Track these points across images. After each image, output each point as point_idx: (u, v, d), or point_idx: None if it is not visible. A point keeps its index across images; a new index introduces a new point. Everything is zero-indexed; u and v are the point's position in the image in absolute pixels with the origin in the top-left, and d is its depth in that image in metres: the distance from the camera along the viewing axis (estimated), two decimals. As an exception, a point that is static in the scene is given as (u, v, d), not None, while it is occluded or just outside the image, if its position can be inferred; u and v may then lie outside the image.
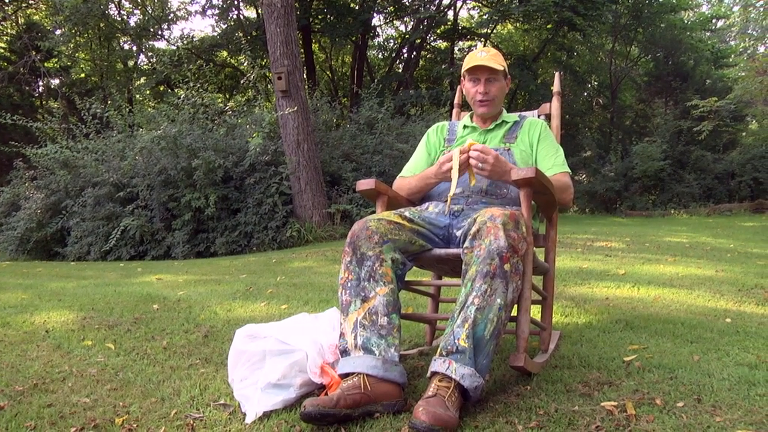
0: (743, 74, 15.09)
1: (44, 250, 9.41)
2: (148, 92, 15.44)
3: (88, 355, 2.48)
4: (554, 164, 2.29)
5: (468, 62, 2.33)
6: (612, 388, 1.83)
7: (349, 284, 1.89)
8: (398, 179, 2.44)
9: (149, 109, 11.13)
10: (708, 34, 19.69)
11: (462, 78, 2.42)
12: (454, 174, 2.04)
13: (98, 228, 8.61)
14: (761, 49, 18.97)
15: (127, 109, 10.28)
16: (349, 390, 1.66)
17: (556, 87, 2.67)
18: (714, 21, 20.42)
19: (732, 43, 21.93)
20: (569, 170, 2.33)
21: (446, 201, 2.18)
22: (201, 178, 8.01)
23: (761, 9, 14.09)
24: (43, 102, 17.52)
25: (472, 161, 2.00)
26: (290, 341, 1.91)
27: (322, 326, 2.07)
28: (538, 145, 2.34)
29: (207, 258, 7.81)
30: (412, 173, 2.42)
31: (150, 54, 17.42)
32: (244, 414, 1.77)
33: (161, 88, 15.70)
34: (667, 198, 15.11)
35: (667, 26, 17.80)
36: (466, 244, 1.84)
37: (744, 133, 18.80)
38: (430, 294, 2.54)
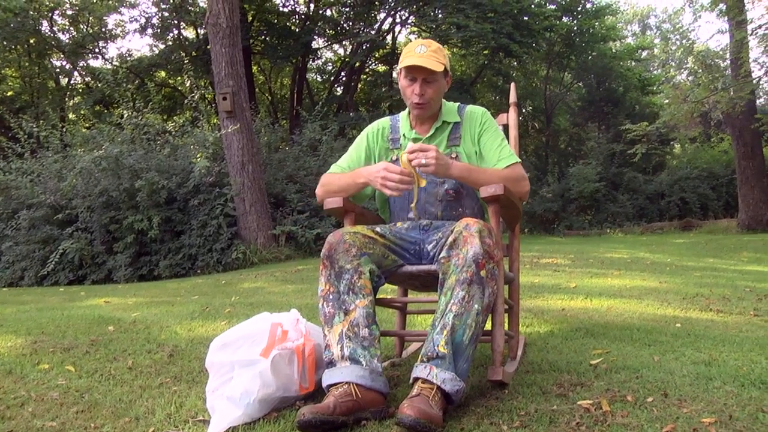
0: (667, 101, 16.00)
1: (-30, 276, 8.88)
2: (83, 112, 14.87)
3: (45, 378, 2.36)
4: (500, 157, 2.15)
5: (404, 58, 2.11)
6: (584, 388, 1.91)
7: (330, 296, 1.91)
8: (327, 175, 2.30)
9: (83, 129, 10.76)
10: (634, 63, 20.83)
11: (399, 71, 2.19)
12: (415, 183, 2.04)
13: (33, 252, 8.22)
14: (680, 78, 20.25)
15: (62, 129, 9.90)
16: (342, 397, 1.69)
17: (512, 98, 2.61)
18: (639, 51, 21.66)
19: (656, 72, 23.31)
20: (518, 159, 2.19)
21: (412, 212, 2.21)
22: (144, 199, 7.79)
23: (678, 43, 15.11)
24: (-33, 121, 16.61)
25: (414, 162, 1.96)
26: (258, 345, 1.90)
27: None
28: (481, 140, 2.19)
29: (151, 281, 7.57)
30: (343, 171, 2.29)
31: (84, 73, 16.88)
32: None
33: (97, 108, 15.20)
34: (602, 218, 15.75)
35: (597, 55, 18.74)
36: (443, 254, 1.89)
37: (669, 156, 19.93)
38: (397, 307, 2.56)
